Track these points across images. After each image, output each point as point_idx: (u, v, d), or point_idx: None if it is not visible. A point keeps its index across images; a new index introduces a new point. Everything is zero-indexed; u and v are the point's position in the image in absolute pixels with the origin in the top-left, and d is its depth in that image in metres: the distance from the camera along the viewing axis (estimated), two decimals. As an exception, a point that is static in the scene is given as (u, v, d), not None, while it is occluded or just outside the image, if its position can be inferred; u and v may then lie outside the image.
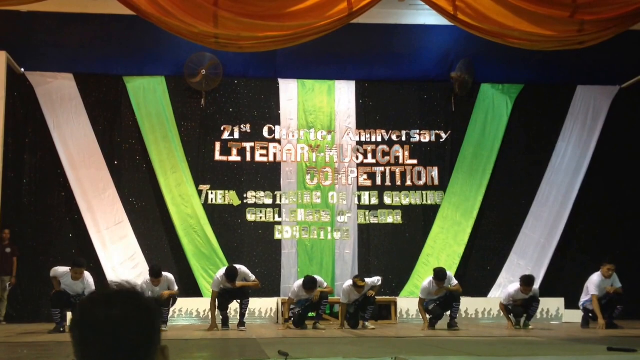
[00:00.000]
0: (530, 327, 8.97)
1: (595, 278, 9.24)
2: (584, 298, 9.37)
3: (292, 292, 9.20)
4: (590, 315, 9.26)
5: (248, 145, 11.32)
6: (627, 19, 8.24)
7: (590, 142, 11.63)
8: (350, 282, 9.16)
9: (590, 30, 8.27)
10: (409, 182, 11.52)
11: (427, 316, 8.94)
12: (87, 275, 8.63)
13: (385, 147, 11.58)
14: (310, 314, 9.98)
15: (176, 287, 8.94)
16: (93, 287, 8.59)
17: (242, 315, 8.81)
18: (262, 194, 11.22)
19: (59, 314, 8.34)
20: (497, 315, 10.64)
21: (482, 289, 11.03)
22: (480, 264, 11.33)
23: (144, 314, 1.27)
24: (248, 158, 11.30)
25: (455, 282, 9.05)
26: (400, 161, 11.59)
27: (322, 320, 9.47)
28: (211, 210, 10.98)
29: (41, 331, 8.48)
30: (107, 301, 1.26)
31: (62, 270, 8.64)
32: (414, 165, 11.59)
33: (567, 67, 11.20)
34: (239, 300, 8.91)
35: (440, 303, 8.91)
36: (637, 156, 11.54)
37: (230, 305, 9.17)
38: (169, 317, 8.95)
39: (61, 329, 8.24)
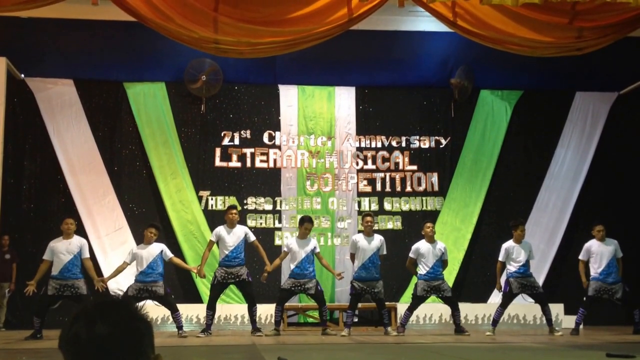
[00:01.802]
0: (560, 333, 8.84)
1: (589, 243, 9.32)
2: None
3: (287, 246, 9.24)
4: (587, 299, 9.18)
5: (248, 151, 11.33)
6: (625, 26, 8.27)
7: (589, 148, 11.66)
8: (357, 234, 9.22)
9: (589, 37, 8.31)
10: (408, 188, 11.53)
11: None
12: (76, 237, 8.70)
13: (385, 153, 11.60)
14: (312, 320, 9.96)
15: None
16: (84, 244, 8.69)
17: (254, 321, 8.81)
18: (262, 199, 11.23)
19: (39, 322, 8.34)
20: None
21: (481, 295, 11.02)
22: (480, 270, 11.31)
23: (132, 327, 1.25)
24: (248, 164, 11.31)
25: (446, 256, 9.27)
26: (400, 167, 11.60)
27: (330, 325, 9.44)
28: (211, 216, 10.97)
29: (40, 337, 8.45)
30: (92, 318, 1.24)
31: (53, 243, 8.62)
32: (413, 171, 11.60)
33: (566, 74, 11.22)
34: (247, 309, 8.97)
35: (425, 291, 8.94)
36: (636, 162, 11.55)
37: (237, 313, 9.11)
38: (182, 321, 8.87)
39: (38, 335, 8.25)
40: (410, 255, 9.19)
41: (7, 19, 9.34)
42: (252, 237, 9.01)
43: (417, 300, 9.03)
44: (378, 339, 8.14)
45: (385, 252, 9.09)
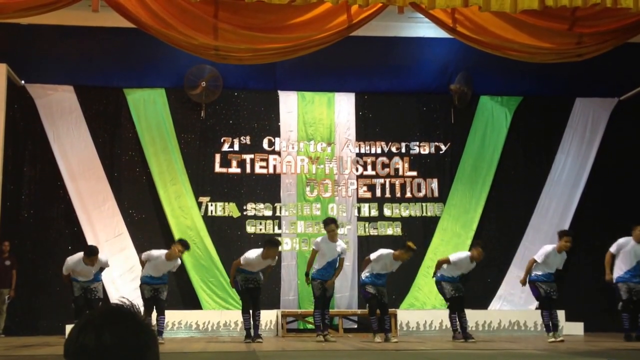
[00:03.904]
0: (560, 338, 8.63)
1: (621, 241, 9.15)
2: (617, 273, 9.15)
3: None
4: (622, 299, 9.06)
5: (248, 157, 11.33)
6: (625, 32, 8.28)
7: (589, 154, 11.64)
8: (389, 251, 8.90)
9: (588, 43, 8.32)
10: (408, 194, 11.51)
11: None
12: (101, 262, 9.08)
13: (384, 159, 11.59)
14: (311, 326, 9.94)
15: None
16: (104, 262, 9.11)
17: (257, 327, 8.81)
18: (261, 205, 11.21)
19: None
20: (498, 327, 10.61)
21: (482, 301, 10.99)
22: (480, 276, 11.26)
23: (138, 337, 1.26)
24: (248, 170, 11.30)
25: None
26: (400, 173, 11.58)
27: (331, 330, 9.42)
28: (211, 222, 10.96)
29: (40, 344, 8.44)
30: (96, 327, 1.24)
31: (74, 260, 8.93)
32: (413, 177, 11.58)
33: (566, 80, 11.22)
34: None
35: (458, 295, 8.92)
36: (636, 168, 11.54)
37: (237, 320, 9.11)
38: (164, 327, 8.89)
39: None
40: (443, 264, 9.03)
41: (8, 25, 9.36)
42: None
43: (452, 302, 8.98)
44: (378, 346, 8.11)
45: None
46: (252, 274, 8.80)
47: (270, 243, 8.82)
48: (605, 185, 11.60)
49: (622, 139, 11.64)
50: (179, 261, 9.03)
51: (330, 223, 8.91)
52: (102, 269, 9.23)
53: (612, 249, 9.20)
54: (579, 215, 11.47)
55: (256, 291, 8.87)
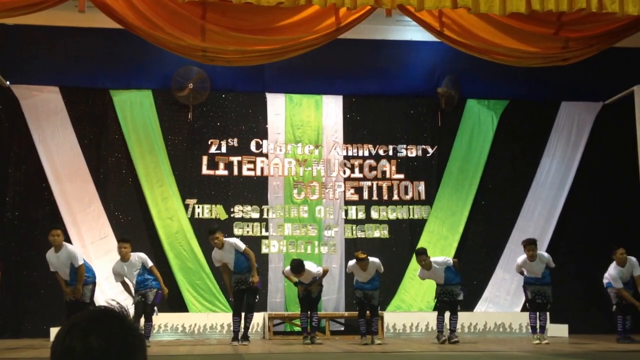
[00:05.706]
0: (545, 341, 8.75)
1: (611, 271, 9.26)
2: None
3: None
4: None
5: (235, 159, 11.30)
6: (610, 37, 8.36)
7: (574, 157, 11.73)
8: (352, 263, 9.08)
9: (574, 47, 8.38)
10: (395, 197, 11.54)
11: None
12: (66, 246, 8.60)
13: (372, 162, 11.61)
14: (298, 329, 9.94)
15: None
16: (72, 255, 8.55)
17: (247, 329, 8.84)
18: (249, 208, 11.19)
19: None
20: (483, 329, 10.66)
21: (468, 304, 11.01)
22: (466, 279, 11.28)
23: (126, 341, 1.24)
24: (235, 172, 11.27)
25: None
26: (387, 176, 11.61)
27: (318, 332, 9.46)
28: (198, 224, 10.92)
29: (25, 347, 8.37)
30: (83, 330, 1.23)
31: (47, 254, 8.65)
32: (400, 180, 11.62)
33: (552, 84, 11.31)
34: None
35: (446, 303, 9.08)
36: (620, 172, 11.64)
37: (223, 322, 9.13)
38: (151, 332, 8.87)
39: None
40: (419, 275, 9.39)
41: (-7, 25, 9.29)
42: (242, 247, 9.08)
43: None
44: (364, 348, 8.12)
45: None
46: (241, 275, 8.82)
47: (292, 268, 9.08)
48: (590, 188, 11.70)
49: (607, 142, 11.75)
50: (137, 258, 8.86)
51: (297, 268, 8.90)
52: (74, 265, 8.60)
53: (616, 284, 9.22)
54: (564, 218, 11.55)
55: (249, 292, 8.93)
